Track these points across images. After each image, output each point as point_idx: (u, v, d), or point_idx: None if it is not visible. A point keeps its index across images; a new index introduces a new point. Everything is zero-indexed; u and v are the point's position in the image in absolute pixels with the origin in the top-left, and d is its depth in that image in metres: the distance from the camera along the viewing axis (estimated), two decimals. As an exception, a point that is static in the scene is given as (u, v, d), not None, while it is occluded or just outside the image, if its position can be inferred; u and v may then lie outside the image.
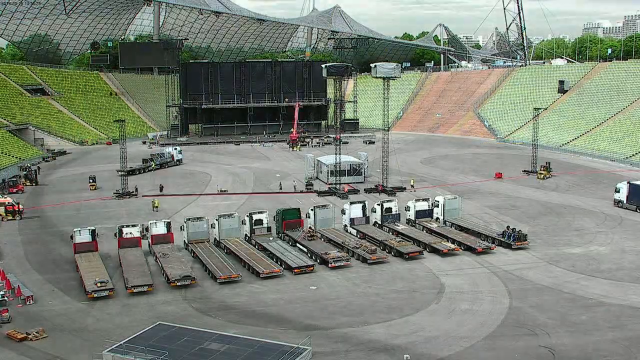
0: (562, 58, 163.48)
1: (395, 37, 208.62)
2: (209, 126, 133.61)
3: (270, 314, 40.02)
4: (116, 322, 38.90)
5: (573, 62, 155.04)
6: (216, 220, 55.30)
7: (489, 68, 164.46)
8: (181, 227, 55.01)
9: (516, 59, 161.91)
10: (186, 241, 53.75)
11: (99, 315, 39.96)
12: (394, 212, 59.87)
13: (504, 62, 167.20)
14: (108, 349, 32.48)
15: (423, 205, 60.92)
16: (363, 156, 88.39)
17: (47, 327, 38.00)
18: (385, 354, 34.28)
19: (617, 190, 67.76)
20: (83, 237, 50.82)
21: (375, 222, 59.66)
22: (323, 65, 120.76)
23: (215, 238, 54.92)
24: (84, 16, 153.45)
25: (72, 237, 50.91)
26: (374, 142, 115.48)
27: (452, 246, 52.44)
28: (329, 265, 48.27)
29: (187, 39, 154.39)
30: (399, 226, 58.40)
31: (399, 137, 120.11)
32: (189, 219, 54.76)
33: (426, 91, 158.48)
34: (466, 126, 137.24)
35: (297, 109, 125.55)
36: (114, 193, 75.29)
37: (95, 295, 42.12)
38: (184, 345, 33.19)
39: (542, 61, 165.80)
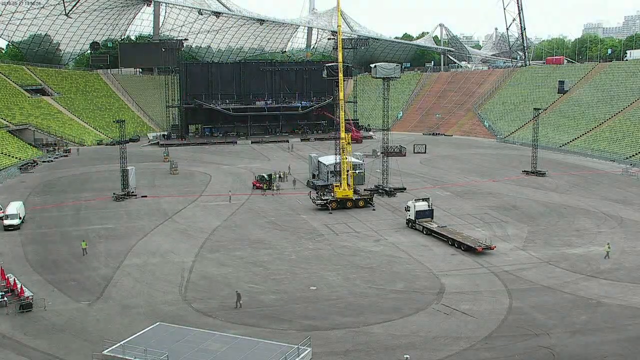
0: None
1: (395, 37, 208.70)
2: (209, 126, 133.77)
3: (270, 314, 40.03)
4: (116, 322, 38.87)
5: (573, 62, 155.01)
6: None
7: (489, 68, 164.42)
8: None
9: (516, 59, 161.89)
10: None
11: (99, 315, 39.92)
12: None
13: (504, 63, 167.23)
14: (108, 349, 32.45)
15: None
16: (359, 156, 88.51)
17: (47, 327, 38.02)
18: (385, 354, 34.28)
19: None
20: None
21: None
22: (323, 66, 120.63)
23: None
24: (84, 16, 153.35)
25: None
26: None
27: None
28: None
29: (187, 39, 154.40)
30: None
31: (399, 138, 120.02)
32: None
33: (426, 91, 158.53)
34: (466, 126, 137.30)
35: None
36: (113, 194, 75.25)
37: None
38: (184, 345, 33.12)
39: (542, 61, 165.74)
